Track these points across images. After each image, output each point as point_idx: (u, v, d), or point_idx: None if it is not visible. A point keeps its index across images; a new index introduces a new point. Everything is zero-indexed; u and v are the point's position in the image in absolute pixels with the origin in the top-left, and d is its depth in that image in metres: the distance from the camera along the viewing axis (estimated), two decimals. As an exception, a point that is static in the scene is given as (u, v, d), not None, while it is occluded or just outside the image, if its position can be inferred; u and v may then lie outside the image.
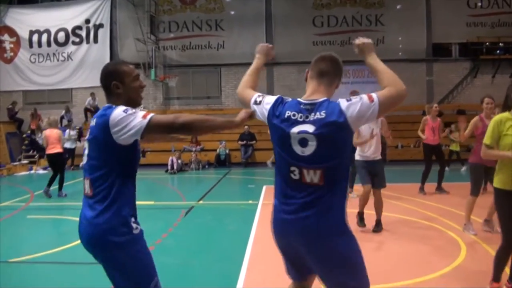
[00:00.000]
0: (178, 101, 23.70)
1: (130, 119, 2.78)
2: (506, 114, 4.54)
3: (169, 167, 17.58)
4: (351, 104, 2.77)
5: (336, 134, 2.78)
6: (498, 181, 4.52)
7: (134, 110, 2.86)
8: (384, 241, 7.21)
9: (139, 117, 2.78)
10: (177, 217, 9.16)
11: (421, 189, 11.25)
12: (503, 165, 4.47)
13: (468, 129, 7.63)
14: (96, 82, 22.93)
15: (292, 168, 2.90)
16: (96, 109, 22.39)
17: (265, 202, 10.60)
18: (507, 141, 4.45)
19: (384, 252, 6.64)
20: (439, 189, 11.24)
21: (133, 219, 2.94)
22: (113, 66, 3.18)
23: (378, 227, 7.72)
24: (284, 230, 2.97)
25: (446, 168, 12.64)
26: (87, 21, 23.79)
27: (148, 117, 2.78)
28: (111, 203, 2.87)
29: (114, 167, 2.91)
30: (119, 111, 2.83)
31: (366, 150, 7.66)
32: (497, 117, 4.57)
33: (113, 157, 2.90)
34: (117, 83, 3.06)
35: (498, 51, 22.64)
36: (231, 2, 23.28)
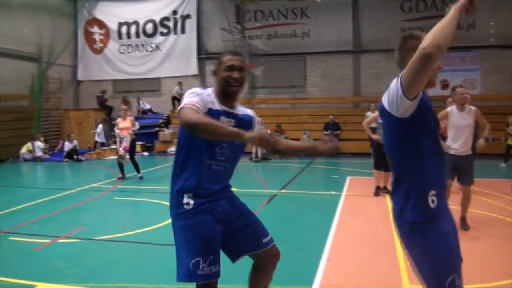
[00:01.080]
0: (263, 90, 23.63)
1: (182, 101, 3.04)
2: None
3: (253, 155, 17.64)
4: (388, 90, 2.66)
5: (385, 121, 2.75)
6: None
7: (194, 93, 3.07)
8: (468, 239, 6.74)
9: (183, 102, 2.99)
10: (259, 205, 9.07)
11: None
12: None
13: None
14: (183, 71, 23.96)
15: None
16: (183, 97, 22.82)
17: (348, 193, 10.36)
18: None
19: (467, 251, 6.18)
20: None
21: (187, 195, 3.09)
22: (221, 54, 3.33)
23: (464, 225, 7.22)
24: None
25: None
26: (175, 12, 24.22)
27: (182, 104, 2.97)
28: (172, 182, 3.20)
29: (179, 150, 3.19)
30: (186, 94, 3.11)
31: (455, 143, 7.15)
32: None
33: (180, 140, 3.20)
34: (215, 69, 3.27)
35: None
36: (318, -11, 22.89)
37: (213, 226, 3.10)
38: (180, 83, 23.00)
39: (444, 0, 21.24)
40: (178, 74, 23.81)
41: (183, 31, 24.18)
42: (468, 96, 7.34)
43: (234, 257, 3.35)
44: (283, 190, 11.02)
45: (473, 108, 7.25)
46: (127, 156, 12.69)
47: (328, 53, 22.49)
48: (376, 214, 8.25)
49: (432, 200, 2.71)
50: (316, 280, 5.06)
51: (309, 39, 22.88)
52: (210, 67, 23.65)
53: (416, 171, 2.71)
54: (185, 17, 24.10)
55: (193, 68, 23.77)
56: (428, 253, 2.70)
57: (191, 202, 3.08)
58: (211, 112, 3.09)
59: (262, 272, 3.46)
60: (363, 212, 8.34)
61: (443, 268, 2.67)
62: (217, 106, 3.17)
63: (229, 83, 3.19)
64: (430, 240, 2.69)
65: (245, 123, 3.27)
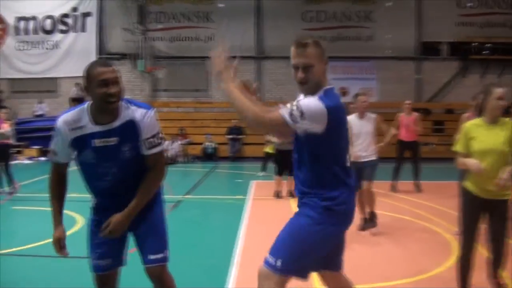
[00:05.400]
0: (165, 93, 23.49)
1: None
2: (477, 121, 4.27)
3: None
4: None
5: None
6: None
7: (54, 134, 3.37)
8: (373, 239, 7.14)
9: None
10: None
11: (393, 187, 11.21)
12: None
13: None
14: (82, 72, 22.79)
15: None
16: (82, 99, 22.02)
17: (254, 197, 10.55)
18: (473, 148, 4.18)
19: (372, 251, 6.58)
20: (417, 186, 11.31)
21: (93, 199, 3.40)
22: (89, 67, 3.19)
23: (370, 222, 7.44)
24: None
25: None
26: (75, 9, 23.36)
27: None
28: None
29: None
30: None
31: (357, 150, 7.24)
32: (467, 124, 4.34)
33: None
34: (85, 85, 3.16)
35: (486, 51, 22.68)
36: (221, -6, 23.08)
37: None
38: (78, 84, 21.94)
39: (343, 12, 22.26)
40: (76, 74, 22.66)
41: (83, 29, 23.43)
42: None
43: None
44: (188, 196, 11.05)
45: (373, 115, 7.48)
46: None
47: (231, 58, 22.62)
48: (283, 217, 8.40)
49: None
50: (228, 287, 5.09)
51: (213, 43, 22.88)
52: (111, 68, 23.03)
53: None
54: (86, 15, 23.36)
55: (93, 69, 22.92)
56: None
57: (91, 204, 3.42)
58: (80, 140, 3.09)
59: None
60: (270, 216, 8.44)
61: None
62: (88, 129, 3.07)
63: (106, 100, 2.99)
64: None
65: (128, 132, 3.14)
